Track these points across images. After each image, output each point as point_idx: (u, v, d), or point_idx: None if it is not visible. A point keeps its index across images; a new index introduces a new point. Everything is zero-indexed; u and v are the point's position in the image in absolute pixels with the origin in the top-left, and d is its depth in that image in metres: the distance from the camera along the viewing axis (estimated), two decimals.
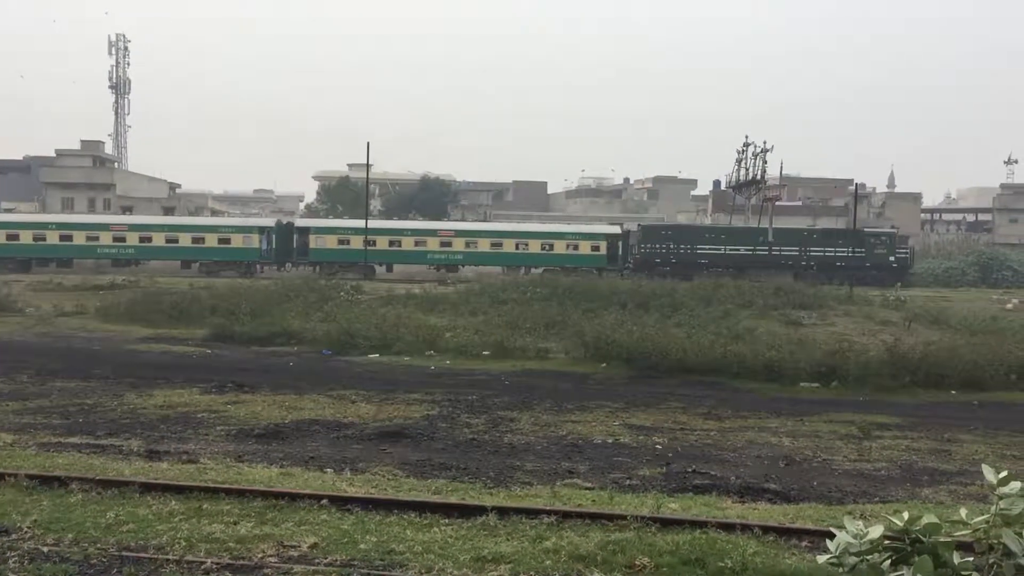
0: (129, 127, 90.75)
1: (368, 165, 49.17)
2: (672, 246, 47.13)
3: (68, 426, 12.76)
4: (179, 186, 77.02)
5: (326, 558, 6.35)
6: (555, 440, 12.79)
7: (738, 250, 46.79)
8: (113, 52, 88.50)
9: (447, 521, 7.38)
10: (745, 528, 7.26)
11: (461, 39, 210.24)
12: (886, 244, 47.02)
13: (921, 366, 20.03)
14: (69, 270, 44.86)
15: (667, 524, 7.29)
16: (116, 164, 78.05)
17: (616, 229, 49.51)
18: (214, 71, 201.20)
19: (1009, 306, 34.20)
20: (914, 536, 3.03)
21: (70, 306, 30.81)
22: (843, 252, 45.98)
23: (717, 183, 68.81)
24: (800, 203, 69.82)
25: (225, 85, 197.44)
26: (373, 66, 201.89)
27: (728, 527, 7.25)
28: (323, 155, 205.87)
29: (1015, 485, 3.07)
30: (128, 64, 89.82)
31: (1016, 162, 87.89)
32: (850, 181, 70.20)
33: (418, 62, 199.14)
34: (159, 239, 46.73)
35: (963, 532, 3.15)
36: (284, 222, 50.10)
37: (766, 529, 7.29)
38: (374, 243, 46.25)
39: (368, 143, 46.90)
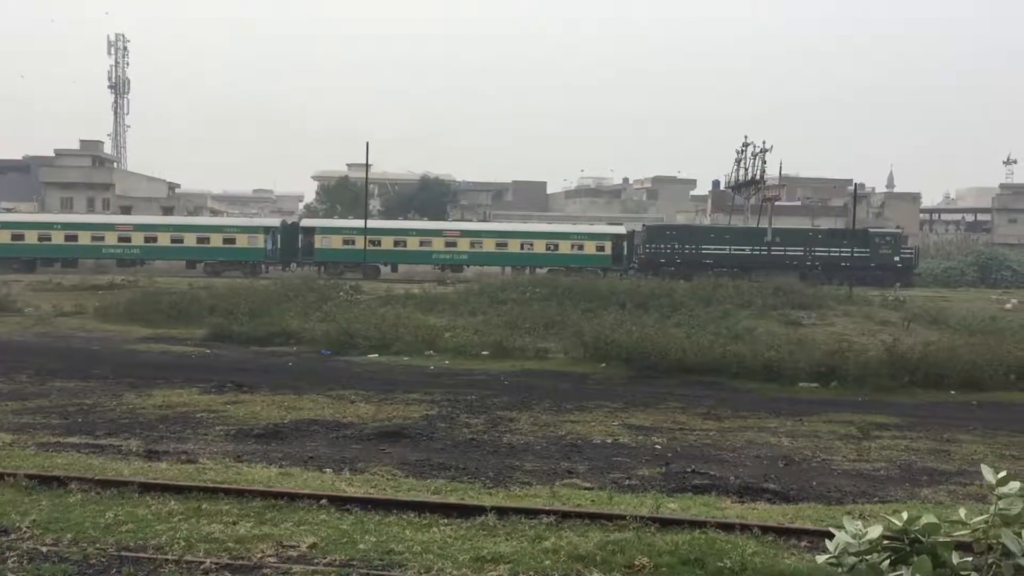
0: (128, 127, 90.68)
1: (367, 165, 49.16)
2: (677, 246, 47.10)
3: (67, 426, 12.75)
4: (178, 186, 76.98)
5: (325, 558, 6.35)
6: (554, 440, 12.79)
7: (743, 250, 46.76)
8: (112, 52, 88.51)
9: (446, 521, 7.38)
10: (744, 528, 7.26)
11: (461, 39, 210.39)
12: (891, 244, 47.03)
13: (920, 366, 20.04)
14: (73, 270, 44.92)
15: (666, 524, 7.29)
16: (115, 164, 77.98)
17: (621, 229, 49.51)
18: (214, 71, 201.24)
19: (1008, 306, 34.20)
20: (913, 536, 3.03)
21: (69, 306, 30.79)
22: (848, 252, 45.94)
23: (716, 183, 68.82)
24: (799, 203, 69.85)
25: (225, 85, 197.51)
26: (373, 66, 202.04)
27: (727, 527, 7.25)
28: (322, 155, 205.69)
29: (1014, 485, 3.07)
30: (127, 64, 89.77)
31: (1015, 162, 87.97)
32: (849, 181, 70.18)
33: (418, 62, 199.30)
34: (164, 239, 46.76)
35: (962, 532, 3.14)
36: (289, 222, 50.09)
37: (765, 529, 7.29)
38: (379, 243, 46.35)
39: (367, 143, 46.91)
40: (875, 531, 3.04)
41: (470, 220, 64.24)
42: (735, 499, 9.30)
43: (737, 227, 53.19)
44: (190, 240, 46.68)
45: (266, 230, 47.57)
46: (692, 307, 28.54)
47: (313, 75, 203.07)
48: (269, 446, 11.63)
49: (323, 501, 7.80)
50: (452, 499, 8.19)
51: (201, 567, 6.10)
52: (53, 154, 68.41)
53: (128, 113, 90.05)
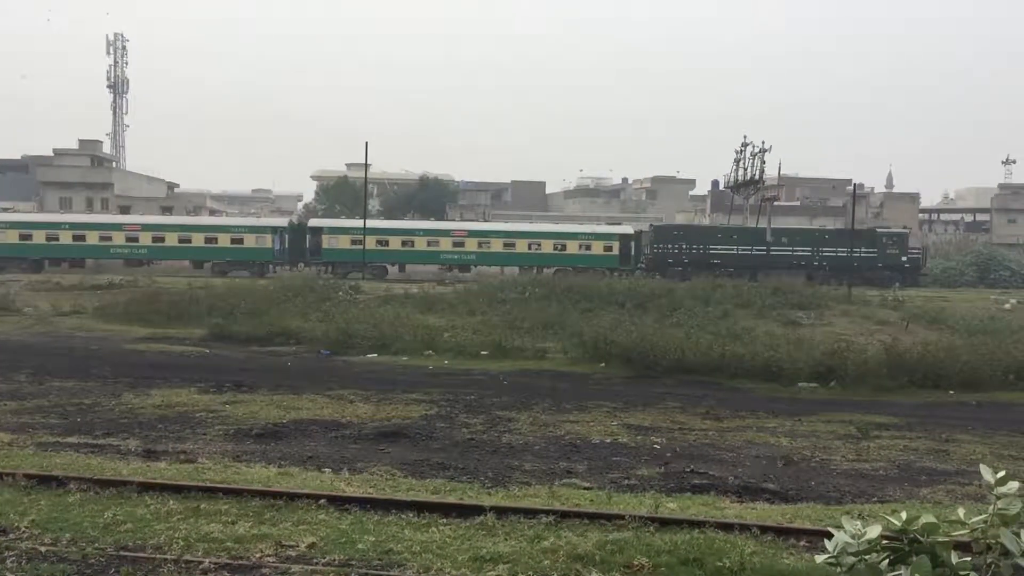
0: (127, 127, 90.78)
1: (367, 165, 49.15)
2: (684, 246, 47.14)
3: (66, 426, 12.74)
4: (177, 185, 76.97)
5: (324, 558, 6.35)
6: (553, 440, 12.79)
7: (750, 250, 46.77)
8: (111, 52, 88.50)
9: (445, 521, 7.38)
10: (743, 528, 7.25)
11: (461, 39, 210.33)
12: (898, 244, 47.05)
13: (919, 366, 20.04)
14: (80, 270, 44.90)
15: (665, 524, 7.29)
16: (114, 164, 77.92)
17: (629, 229, 49.62)
18: (214, 71, 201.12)
19: (1007, 306, 34.23)
20: (912, 536, 3.03)
21: (68, 306, 30.76)
22: (856, 252, 45.85)
23: (716, 183, 68.84)
24: (798, 203, 69.90)
25: (225, 85, 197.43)
26: (373, 66, 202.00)
27: (726, 527, 7.25)
28: (322, 155, 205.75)
29: (1013, 485, 3.07)
30: (126, 64, 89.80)
31: (1014, 162, 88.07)
32: (848, 181, 70.14)
33: (418, 62, 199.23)
34: (172, 239, 46.78)
35: (961, 532, 3.15)
36: (296, 222, 50.04)
37: (764, 529, 7.29)
38: (387, 243, 46.47)
39: (367, 143, 46.90)
40: (874, 531, 3.04)
41: (470, 220, 64.26)
42: (734, 499, 9.30)
43: (745, 227, 53.18)
44: (198, 240, 46.72)
45: (274, 230, 47.52)
46: (691, 307, 28.57)
47: (313, 75, 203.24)
48: (268, 446, 11.62)
49: (322, 501, 7.80)
50: (451, 499, 8.19)
51: (200, 567, 6.09)
52: (52, 154, 68.39)
53: (127, 113, 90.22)
